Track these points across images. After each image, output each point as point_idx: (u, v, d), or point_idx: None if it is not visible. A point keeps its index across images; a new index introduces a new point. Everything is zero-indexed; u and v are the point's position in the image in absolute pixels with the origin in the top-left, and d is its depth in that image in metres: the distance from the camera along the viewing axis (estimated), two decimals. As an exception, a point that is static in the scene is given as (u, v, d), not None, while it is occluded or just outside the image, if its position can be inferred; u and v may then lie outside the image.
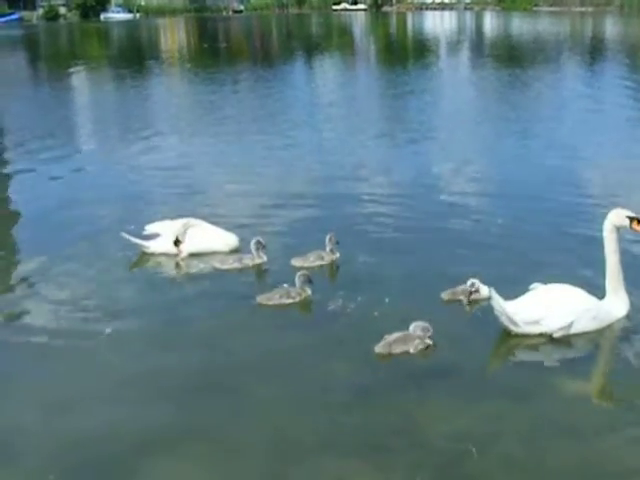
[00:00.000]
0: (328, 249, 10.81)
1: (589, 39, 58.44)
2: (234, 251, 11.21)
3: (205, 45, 55.84)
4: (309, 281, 9.72)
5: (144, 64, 42.79)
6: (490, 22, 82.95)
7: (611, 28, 70.68)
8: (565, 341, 8.42)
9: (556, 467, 6.46)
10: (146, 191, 14.81)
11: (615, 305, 8.67)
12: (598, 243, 8.95)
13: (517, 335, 8.46)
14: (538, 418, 7.13)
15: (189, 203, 13.52)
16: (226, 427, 7.09)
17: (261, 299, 9.57)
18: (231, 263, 10.80)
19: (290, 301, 9.56)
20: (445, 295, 9.47)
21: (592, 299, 8.61)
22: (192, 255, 11.20)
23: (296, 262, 10.64)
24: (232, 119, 23.16)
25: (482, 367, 8.07)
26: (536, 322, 8.44)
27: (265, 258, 10.79)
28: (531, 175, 15.74)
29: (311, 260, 10.70)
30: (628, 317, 8.69)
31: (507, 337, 8.50)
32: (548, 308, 8.45)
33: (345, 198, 13.90)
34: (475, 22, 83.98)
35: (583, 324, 8.45)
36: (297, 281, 9.71)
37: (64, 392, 7.65)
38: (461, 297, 9.36)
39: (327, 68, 40.26)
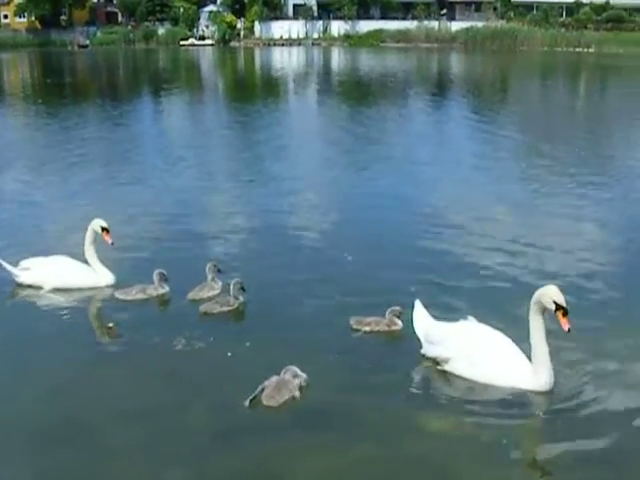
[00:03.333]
0: (209, 278, 10.76)
1: (434, 74, 60.03)
2: (108, 287, 11.05)
3: (49, 80, 54.15)
4: (242, 288, 10.22)
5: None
6: (338, 57, 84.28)
7: (455, 64, 73.05)
8: (446, 380, 8.37)
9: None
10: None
11: (538, 376, 8.01)
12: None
13: (395, 371, 8.53)
14: (406, 459, 6.98)
15: (44, 241, 13.05)
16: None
17: (203, 308, 10.13)
18: (134, 294, 10.66)
19: (227, 309, 10.13)
20: (353, 322, 9.61)
21: (504, 353, 8.27)
22: (58, 290, 11.02)
23: (194, 295, 10.60)
24: (80, 160, 22.03)
25: (353, 407, 7.83)
26: (430, 344, 8.69)
27: (167, 289, 10.74)
28: (387, 208, 15.86)
29: (206, 291, 10.64)
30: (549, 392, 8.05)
31: (383, 373, 8.43)
32: (444, 336, 8.56)
33: (198, 238, 13.65)
34: (323, 57, 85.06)
35: (460, 367, 8.38)
36: (232, 289, 10.23)
37: None
38: (366, 328, 9.51)
39: (175, 105, 39.68)
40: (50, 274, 11.11)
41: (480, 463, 6.97)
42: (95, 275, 11.14)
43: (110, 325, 9.79)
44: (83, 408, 7.87)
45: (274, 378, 7.98)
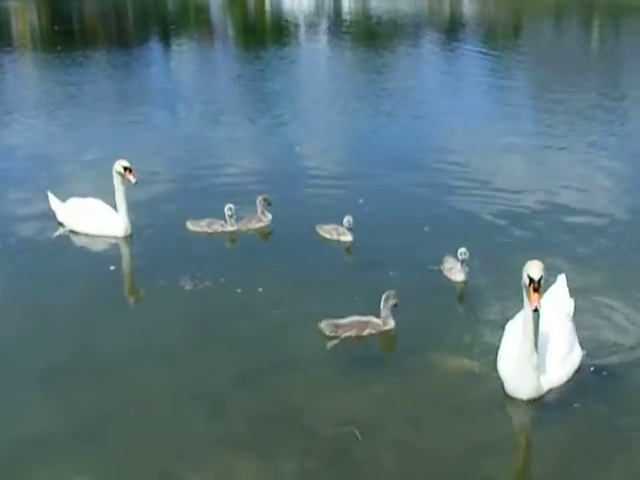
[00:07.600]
0: (259, 211, 11.11)
1: (445, 16, 59.14)
2: (124, 238, 11.08)
3: (56, 27, 53.61)
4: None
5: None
6: (349, 2, 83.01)
7: (467, 6, 71.79)
8: (459, 325, 8.40)
9: (443, 447, 6.43)
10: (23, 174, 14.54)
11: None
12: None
13: (412, 314, 8.47)
14: (423, 398, 7.12)
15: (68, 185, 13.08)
16: (104, 419, 6.84)
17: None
18: (202, 226, 11.04)
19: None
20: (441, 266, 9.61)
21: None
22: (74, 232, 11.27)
23: (242, 226, 11.07)
24: (90, 103, 21.97)
25: (371, 349, 8.04)
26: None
27: (237, 226, 11.05)
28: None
29: (254, 222, 11.11)
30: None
31: (401, 316, 8.38)
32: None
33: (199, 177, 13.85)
34: (333, 2, 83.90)
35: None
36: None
37: None
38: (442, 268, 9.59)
39: (185, 49, 39.25)
40: (70, 216, 11.25)
41: (490, 411, 7.01)
42: (112, 225, 11.02)
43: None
44: (103, 346, 8.08)
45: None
